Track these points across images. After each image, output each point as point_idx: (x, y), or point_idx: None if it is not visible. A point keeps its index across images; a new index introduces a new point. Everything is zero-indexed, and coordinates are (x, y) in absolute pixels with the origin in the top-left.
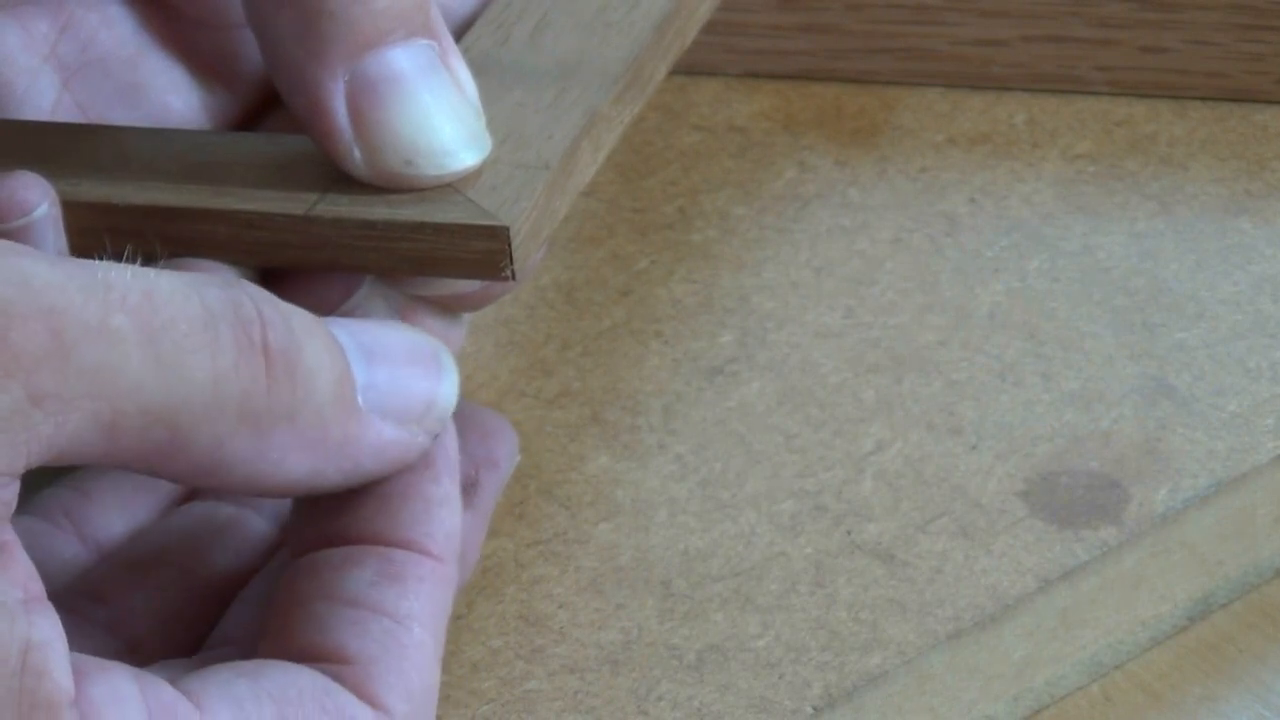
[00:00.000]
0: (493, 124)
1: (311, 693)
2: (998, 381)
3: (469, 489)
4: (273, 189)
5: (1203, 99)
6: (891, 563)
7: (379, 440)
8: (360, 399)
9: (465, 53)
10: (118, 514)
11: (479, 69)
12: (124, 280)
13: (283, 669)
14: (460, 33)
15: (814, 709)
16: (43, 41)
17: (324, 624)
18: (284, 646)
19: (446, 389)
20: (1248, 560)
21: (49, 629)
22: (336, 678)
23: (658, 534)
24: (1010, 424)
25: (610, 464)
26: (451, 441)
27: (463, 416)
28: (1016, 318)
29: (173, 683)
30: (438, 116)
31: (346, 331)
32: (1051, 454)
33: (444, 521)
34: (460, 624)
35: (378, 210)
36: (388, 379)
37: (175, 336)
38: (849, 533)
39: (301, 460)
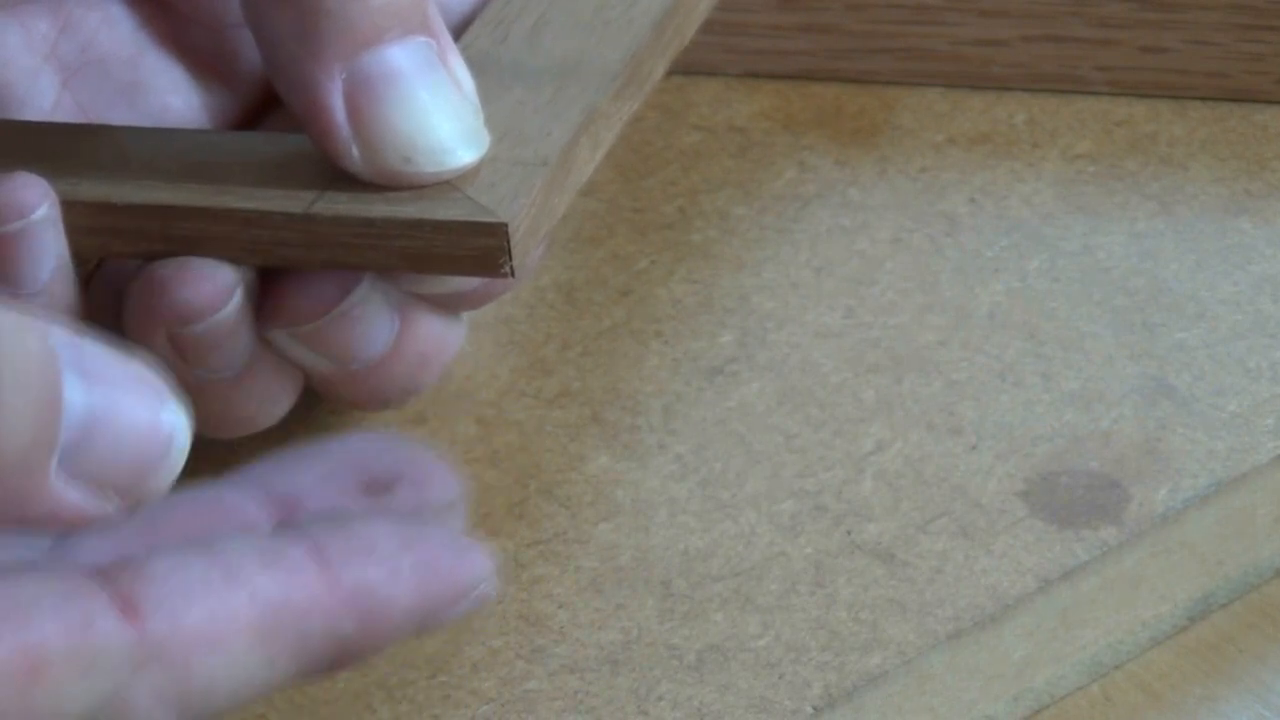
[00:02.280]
0: (491, 121)
1: (51, 596)
2: (998, 381)
3: (374, 488)
4: (272, 187)
5: (1203, 99)
6: (891, 563)
7: (59, 506)
8: (56, 459)
9: (464, 51)
10: None
11: (478, 67)
12: None
13: (35, 572)
14: (459, 31)
15: (814, 709)
16: (42, 41)
17: (152, 549)
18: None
19: (168, 467)
20: (1248, 560)
21: None
22: (107, 578)
23: (658, 534)
24: (1010, 424)
25: (610, 464)
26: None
27: (396, 442)
28: (1016, 318)
29: None
30: (436, 114)
31: (82, 379)
32: (1051, 454)
33: (371, 573)
34: (460, 624)
35: (376, 208)
36: (103, 448)
37: None
38: (849, 533)
39: None
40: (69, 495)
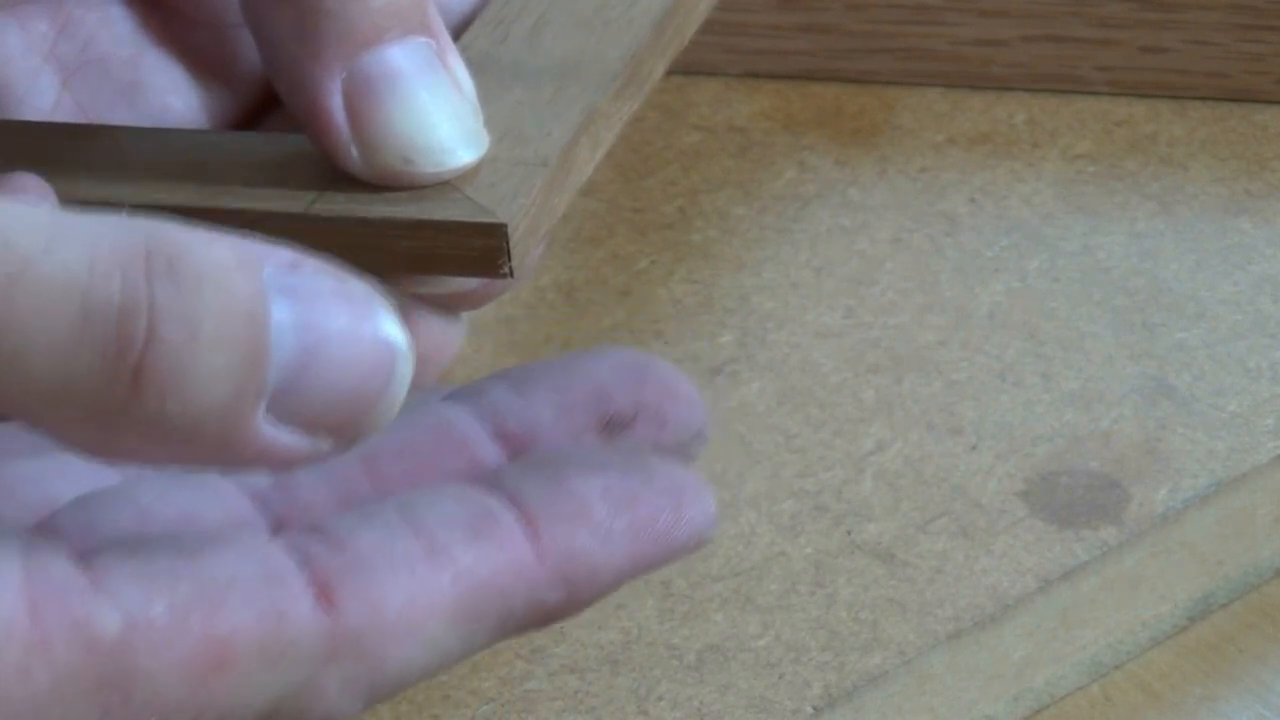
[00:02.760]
0: (491, 121)
1: (247, 581)
2: (998, 381)
3: (613, 427)
4: (271, 187)
5: (1203, 99)
6: (891, 563)
7: (264, 447)
8: (263, 408)
9: (464, 51)
10: None
11: (477, 67)
12: (2, 247)
13: (231, 548)
14: (459, 31)
15: (814, 709)
16: (42, 41)
17: (356, 508)
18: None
19: (386, 402)
20: (1248, 560)
21: None
22: (305, 557)
23: None
24: (1010, 424)
25: None
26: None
27: (647, 362)
28: (1016, 318)
29: (90, 553)
30: (435, 114)
31: (295, 313)
32: (1051, 454)
33: (581, 540)
34: None
35: (376, 208)
36: (317, 387)
37: (23, 332)
38: (849, 533)
39: (158, 455)
40: (279, 438)
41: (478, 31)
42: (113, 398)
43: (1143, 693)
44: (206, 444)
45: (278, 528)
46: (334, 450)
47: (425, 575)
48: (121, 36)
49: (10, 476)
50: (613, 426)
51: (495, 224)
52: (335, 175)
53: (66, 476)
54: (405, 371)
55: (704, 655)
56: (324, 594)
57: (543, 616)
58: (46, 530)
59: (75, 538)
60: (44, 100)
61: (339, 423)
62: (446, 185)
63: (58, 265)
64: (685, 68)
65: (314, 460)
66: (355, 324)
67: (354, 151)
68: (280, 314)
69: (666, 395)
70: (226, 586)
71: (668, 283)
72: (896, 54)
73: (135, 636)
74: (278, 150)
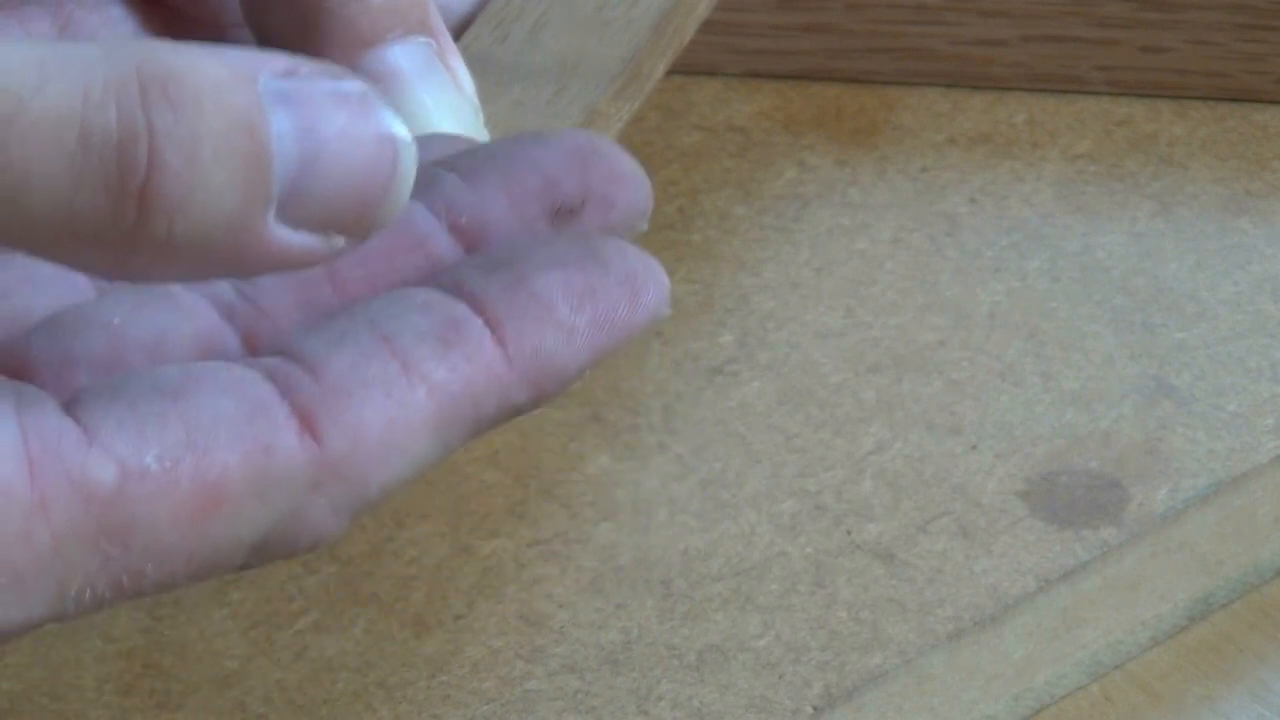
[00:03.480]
0: (492, 122)
1: (231, 416)
2: (998, 381)
3: (562, 214)
4: None
5: (1203, 99)
6: (891, 563)
7: (280, 252)
8: (272, 214)
9: (464, 51)
10: None
11: (478, 67)
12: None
13: (212, 382)
14: (459, 32)
15: (814, 709)
16: None
17: (326, 326)
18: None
19: (393, 195)
20: (1248, 560)
21: None
22: (284, 386)
23: (658, 534)
24: (1010, 424)
25: (610, 464)
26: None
27: (593, 145)
28: (1016, 318)
29: (74, 402)
30: (436, 114)
31: (294, 118)
32: (1051, 454)
33: (548, 340)
34: (460, 624)
35: None
36: (322, 187)
37: (22, 172)
38: (849, 533)
39: (173, 273)
40: (291, 241)
41: (478, 31)
42: (120, 226)
43: (1143, 693)
44: (220, 256)
45: (248, 339)
46: (348, 246)
47: (402, 394)
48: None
49: None
50: (562, 214)
51: None
52: None
53: (35, 284)
54: (409, 163)
55: (704, 655)
56: (307, 424)
57: (511, 414)
58: (20, 356)
59: (52, 369)
60: None
61: (349, 219)
62: None
63: (51, 101)
64: (685, 68)
65: (331, 258)
66: (354, 122)
67: None
68: (280, 122)
69: (613, 178)
70: (213, 426)
71: None
72: (896, 54)
73: (130, 486)
74: None
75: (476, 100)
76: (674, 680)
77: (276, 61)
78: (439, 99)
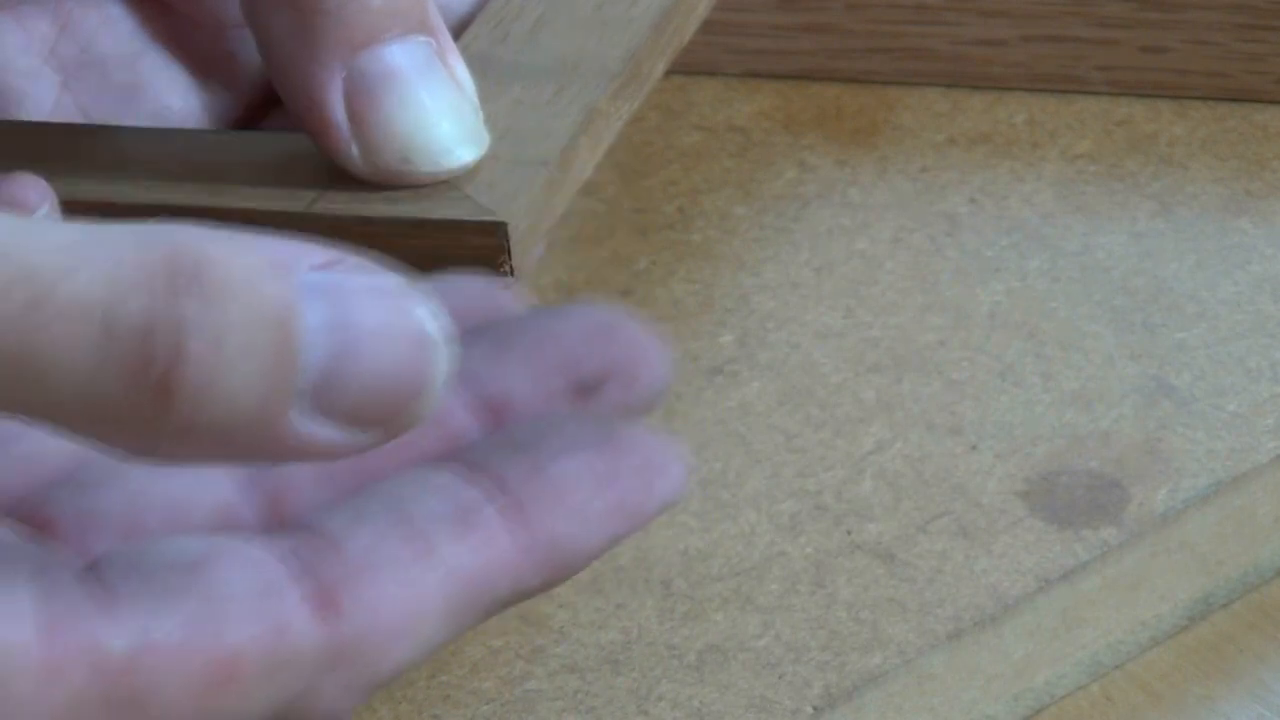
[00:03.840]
0: (491, 121)
1: (246, 594)
2: (998, 381)
3: (584, 391)
4: (271, 187)
5: (1203, 99)
6: (891, 563)
7: (304, 445)
8: (299, 406)
9: (464, 50)
10: None
11: (477, 66)
12: (21, 279)
13: (230, 558)
14: (459, 31)
15: (814, 709)
16: (42, 42)
17: (348, 503)
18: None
19: (425, 396)
20: (1248, 560)
21: None
22: (303, 563)
23: (658, 534)
24: (1010, 424)
25: None
26: None
27: (615, 319)
28: (1016, 318)
29: (93, 568)
30: (436, 113)
31: (329, 311)
32: (1051, 454)
33: (563, 526)
34: None
35: (376, 207)
36: (352, 384)
37: (47, 357)
38: (849, 533)
39: (197, 458)
40: (317, 435)
41: (477, 31)
42: (142, 412)
43: (1143, 693)
44: (243, 446)
45: (266, 511)
46: (377, 441)
47: (417, 576)
48: (122, 37)
49: None
50: (584, 390)
51: (496, 223)
52: (336, 174)
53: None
54: (445, 363)
55: (704, 655)
56: (322, 603)
57: (523, 597)
58: (41, 510)
59: (71, 526)
60: (44, 101)
61: (379, 417)
62: (447, 184)
63: (79, 287)
64: (685, 68)
65: (357, 452)
66: (390, 320)
67: (354, 150)
68: (313, 315)
69: (635, 354)
70: (227, 601)
71: (668, 283)
72: (896, 54)
73: (143, 657)
74: (278, 150)
75: (476, 100)
76: (674, 680)
77: (316, 254)
78: (438, 98)
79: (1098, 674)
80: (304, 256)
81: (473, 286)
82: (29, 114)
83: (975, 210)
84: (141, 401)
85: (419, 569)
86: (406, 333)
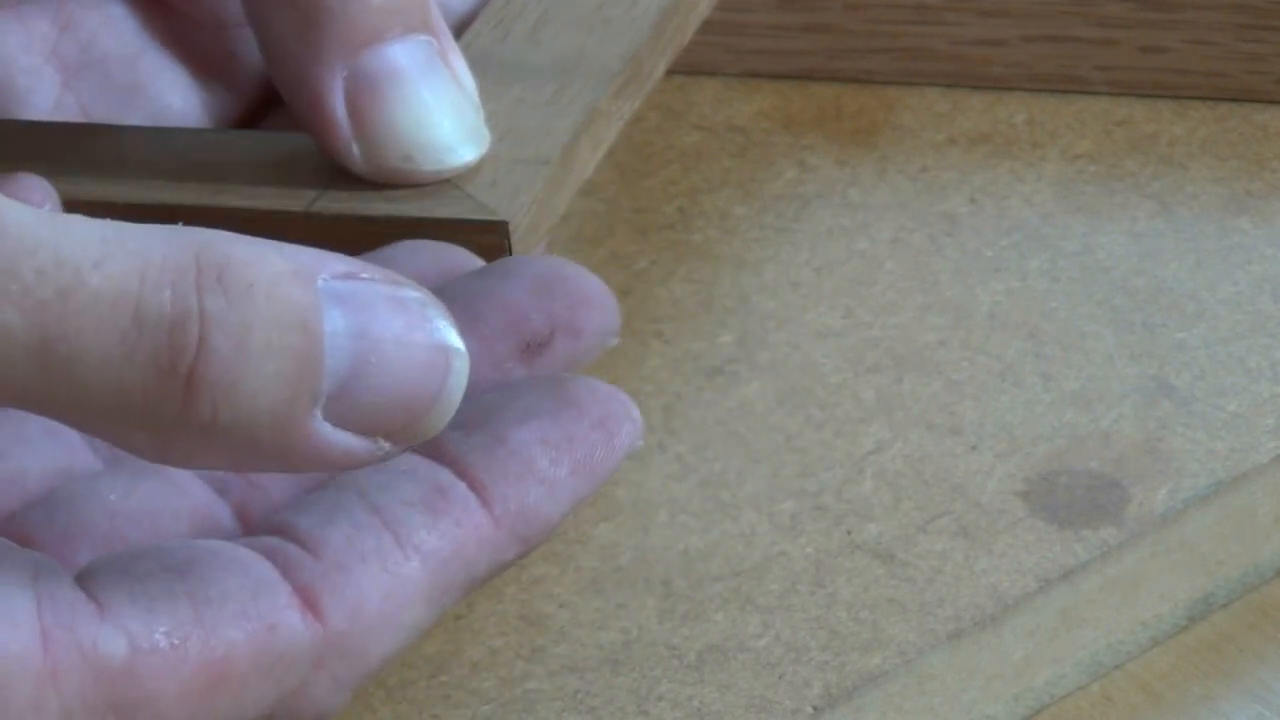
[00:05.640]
0: (492, 120)
1: (236, 595)
2: (998, 381)
3: (532, 349)
4: (273, 186)
5: (1203, 99)
6: (891, 563)
7: (324, 450)
8: (319, 412)
9: (465, 49)
10: None
11: (478, 65)
12: (53, 268)
13: (217, 561)
14: (460, 30)
15: (814, 709)
16: (43, 41)
17: (317, 499)
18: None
19: (442, 405)
20: (1248, 560)
21: None
22: (284, 565)
23: (658, 534)
24: (1010, 424)
25: None
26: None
27: (556, 271)
28: (1016, 318)
29: (86, 575)
30: (437, 112)
31: (349, 320)
32: (1051, 454)
33: (531, 496)
34: (460, 624)
35: (377, 206)
36: (371, 391)
37: (75, 345)
38: (849, 533)
39: (216, 460)
40: (335, 441)
41: (479, 30)
42: (166, 406)
43: (1143, 693)
44: (264, 448)
45: (240, 512)
46: (393, 451)
47: (397, 566)
48: (123, 36)
49: None
50: (532, 349)
51: (497, 222)
52: (337, 173)
53: (29, 444)
54: (461, 374)
55: (704, 655)
56: (308, 602)
57: (501, 570)
58: (21, 529)
59: (53, 544)
60: (45, 100)
61: (396, 426)
62: (448, 183)
63: (109, 277)
64: (685, 68)
65: (374, 461)
66: (409, 330)
67: (355, 149)
68: (334, 322)
69: (578, 304)
70: (220, 603)
71: (668, 283)
72: (896, 54)
73: (140, 661)
74: (279, 149)
75: (478, 99)
76: (674, 680)
77: (337, 263)
78: (440, 97)
79: (1098, 674)
80: (325, 264)
81: (426, 251)
82: (30, 113)
83: (975, 210)
84: (166, 395)
85: (395, 560)
86: (425, 342)
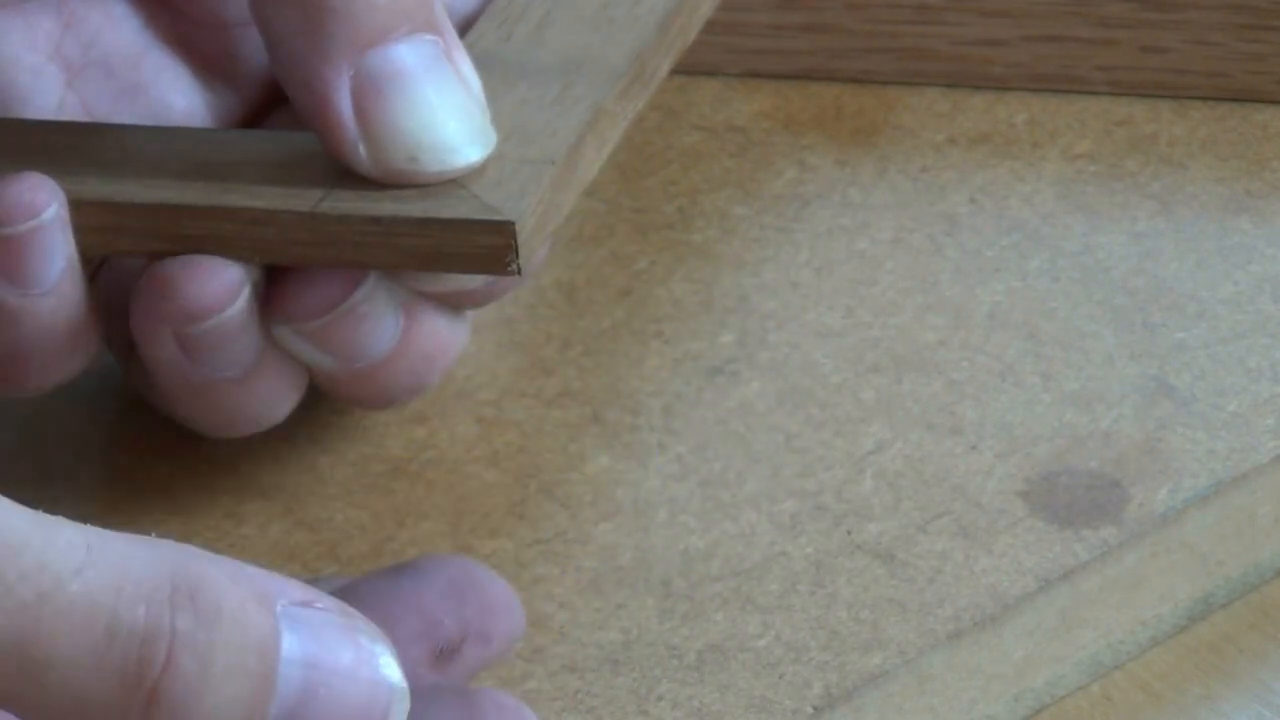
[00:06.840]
0: (497, 120)
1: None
2: (998, 381)
3: (444, 655)
4: (278, 186)
5: (1203, 99)
6: (891, 563)
7: None
8: None
9: (469, 49)
10: None
11: (483, 65)
12: (35, 571)
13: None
14: (464, 29)
15: (814, 709)
16: (46, 40)
17: None
18: None
19: None
20: (1248, 560)
21: None
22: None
23: (658, 534)
24: (1010, 424)
25: (610, 464)
26: None
27: (467, 575)
28: (1016, 318)
29: None
30: (442, 112)
31: (302, 642)
32: (1051, 454)
33: None
34: None
35: (383, 206)
36: (317, 715)
37: (48, 649)
38: (849, 533)
39: None
40: None
41: (483, 29)
42: (126, 718)
43: (1143, 693)
44: None
45: None
46: None
47: None
48: (126, 36)
49: None
50: (444, 654)
51: (503, 222)
52: (342, 173)
53: None
54: (400, 715)
55: (704, 655)
56: None
57: None
58: None
59: None
60: (49, 99)
61: None
62: (454, 183)
63: (88, 587)
64: (685, 68)
65: None
66: (357, 664)
67: (361, 149)
68: (290, 647)
69: (488, 612)
70: None
71: (668, 283)
72: (896, 54)
73: None
74: (285, 149)
75: (483, 99)
76: (674, 680)
77: (294, 590)
78: (445, 97)
79: (1098, 674)
80: (285, 591)
81: (453, 567)
82: (33, 112)
83: (975, 210)
84: (129, 707)
85: None
86: (369, 678)
